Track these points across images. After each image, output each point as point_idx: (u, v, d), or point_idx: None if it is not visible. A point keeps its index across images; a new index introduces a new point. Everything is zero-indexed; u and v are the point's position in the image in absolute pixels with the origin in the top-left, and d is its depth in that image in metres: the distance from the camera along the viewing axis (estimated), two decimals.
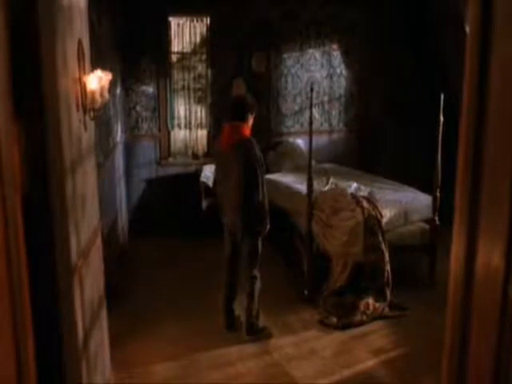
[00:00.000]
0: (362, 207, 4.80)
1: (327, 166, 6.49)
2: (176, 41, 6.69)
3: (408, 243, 5.03)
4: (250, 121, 4.05)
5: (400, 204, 5.09)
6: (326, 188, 5.29)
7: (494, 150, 1.01)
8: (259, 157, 3.89)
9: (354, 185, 5.35)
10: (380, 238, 4.70)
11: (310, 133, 4.78)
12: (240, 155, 3.86)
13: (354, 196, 5.01)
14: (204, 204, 6.50)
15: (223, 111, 6.78)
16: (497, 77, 0.95)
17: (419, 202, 5.19)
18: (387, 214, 4.93)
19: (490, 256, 0.95)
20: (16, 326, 1.81)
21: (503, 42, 0.93)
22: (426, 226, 5.09)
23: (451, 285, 1.11)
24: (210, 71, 6.78)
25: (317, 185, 5.09)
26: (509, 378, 0.91)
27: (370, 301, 4.57)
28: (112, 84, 3.74)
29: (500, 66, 0.93)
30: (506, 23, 0.91)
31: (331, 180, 5.54)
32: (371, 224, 4.71)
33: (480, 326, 0.99)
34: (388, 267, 4.66)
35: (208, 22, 6.65)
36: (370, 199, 4.96)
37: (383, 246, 4.69)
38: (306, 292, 4.82)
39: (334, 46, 6.96)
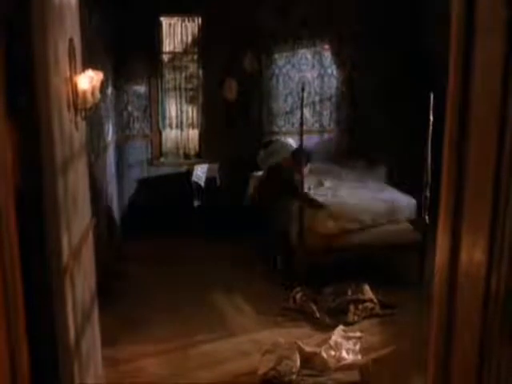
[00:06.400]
0: None
1: (320, 166, 6.53)
2: (167, 41, 6.69)
3: (398, 242, 5.08)
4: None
5: (385, 203, 5.18)
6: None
7: (478, 149, 1.04)
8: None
9: (327, 184, 5.66)
10: None
11: (301, 133, 4.81)
12: None
13: None
14: (196, 203, 6.51)
15: (214, 111, 6.81)
16: (479, 75, 0.97)
17: (405, 202, 5.27)
18: (373, 211, 5.04)
19: (472, 250, 0.97)
20: (10, 326, 1.81)
21: (485, 41, 0.95)
22: (415, 226, 5.16)
23: (437, 278, 1.14)
24: (201, 71, 6.78)
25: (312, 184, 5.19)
26: (492, 368, 0.93)
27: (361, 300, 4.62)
28: (103, 84, 3.74)
29: (482, 65, 0.96)
30: (489, 23, 0.94)
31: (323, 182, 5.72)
32: None
33: (464, 318, 1.02)
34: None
35: (199, 22, 6.66)
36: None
37: None
38: (297, 293, 4.84)
39: (326, 47, 6.99)
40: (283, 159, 5.56)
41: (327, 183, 5.80)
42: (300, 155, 4.93)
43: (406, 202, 5.28)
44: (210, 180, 6.54)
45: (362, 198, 5.34)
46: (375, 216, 5.09)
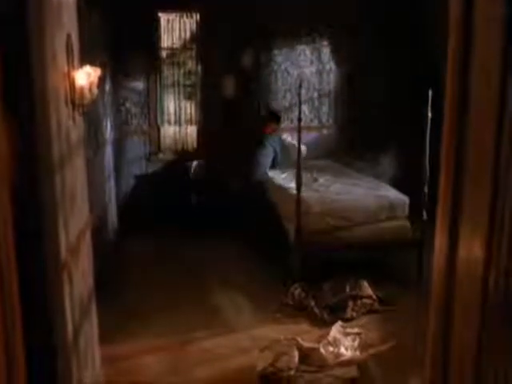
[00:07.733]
0: None
1: (316, 162, 6.53)
2: (166, 37, 6.68)
3: (396, 239, 5.08)
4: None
5: (377, 200, 5.18)
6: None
7: (476, 145, 1.03)
8: None
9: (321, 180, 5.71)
10: None
11: (299, 129, 4.80)
12: None
13: None
14: (194, 200, 6.51)
15: (213, 107, 6.80)
16: (478, 72, 0.96)
17: (398, 199, 5.27)
18: (364, 208, 5.07)
19: (471, 247, 0.97)
20: (6, 323, 1.81)
21: (484, 37, 0.95)
22: (413, 222, 5.16)
23: (435, 275, 1.13)
24: (199, 67, 6.77)
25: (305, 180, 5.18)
26: (490, 364, 0.93)
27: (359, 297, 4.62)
28: (101, 80, 3.73)
29: (480, 61, 0.95)
30: (487, 20, 0.93)
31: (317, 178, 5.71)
32: None
33: (462, 315, 1.01)
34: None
35: (198, 18, 6.64)
36: None
37: None
38: (295, 289, 4.84)
39: (325, 43, 6.98)
40: (266, 129, 6.28)
41: (321, 180, 5.80)
42: (276, 112, 5.93)
43: (399, 199, 5.27)
44: (208, 176, 6.53)
45: (354, 195, 5.32)
46: (366, 213, 5.08)
